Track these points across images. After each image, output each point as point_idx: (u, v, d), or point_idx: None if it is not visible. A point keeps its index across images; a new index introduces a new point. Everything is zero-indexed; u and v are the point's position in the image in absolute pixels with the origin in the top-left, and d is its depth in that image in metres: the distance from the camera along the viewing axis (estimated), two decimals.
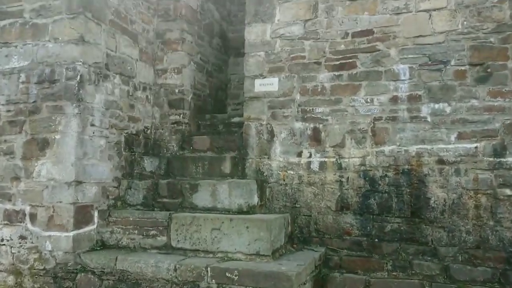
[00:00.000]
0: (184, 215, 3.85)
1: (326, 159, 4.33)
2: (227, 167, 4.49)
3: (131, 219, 3.97)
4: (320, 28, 4.43)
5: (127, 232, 3.96)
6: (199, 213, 3.99)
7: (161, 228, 3.86)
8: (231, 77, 6.32)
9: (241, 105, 5.92)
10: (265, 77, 4.60)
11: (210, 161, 4.54)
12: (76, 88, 3.87)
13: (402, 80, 4.15)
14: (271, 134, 4.53)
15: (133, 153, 4.61)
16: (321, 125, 4.38)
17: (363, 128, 4.24)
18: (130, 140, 4.57)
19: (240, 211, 3.96)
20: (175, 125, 4.95)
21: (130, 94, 4.59)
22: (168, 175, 4.64)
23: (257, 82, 4.62)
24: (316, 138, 4.38)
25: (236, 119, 5.06)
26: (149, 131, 4.94)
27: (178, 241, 3.78)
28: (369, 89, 4.24)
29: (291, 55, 4.52)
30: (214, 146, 4.74)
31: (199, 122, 5.23)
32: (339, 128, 4.32)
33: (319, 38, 4.43)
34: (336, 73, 4.36)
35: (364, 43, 4.29)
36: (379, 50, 4.24)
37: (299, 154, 4.42)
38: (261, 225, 3.56)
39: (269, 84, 4.57)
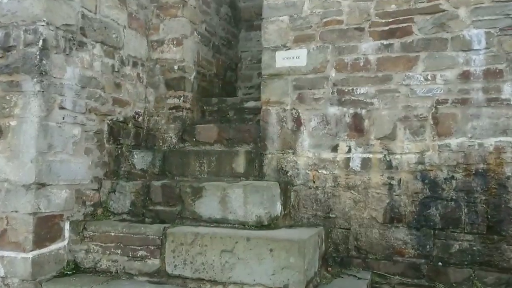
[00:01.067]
0: (183, 230, 2.84)
1: (370, 155, 3.30)
2: (240, 164, 3.47)
3: (112, 234, 2.96)
4: None
5: (108, 252, 2.95)
6: (204, 226, 2.97)
7: (152, 248, 2.85)
8: (242, 55, 5.28)
9: (255, 89, 4.90)
10: (289, 49, 3.55)
11: (219, 156, 3.51)
12: (38, 57, 2.84)
13: (476, 50, 3.09)
14: (298, 122, 3.50)
15: (119, 146, 3.60)
16: (364, 111, 3.33)
17: (421, 115, 3.20)
18: (116, 129, 3.55)
19: (259, 225, 2.95)
20: (174, 110, 3.93)
21: (116, 70, 3.56)
22: (164, 174, 3.62)
23: (279, 55, 3.57)
24: (357, 128, 3.34)
25: (250, 104, 4.02)
26: (141, 118, 3.92)
27: (175, 266, 2.77)
28: (429, 62, 3.19)
29: (324, 19, 3.47)
30: (223, 137, 3.71)
31: (204, 107, 4.20)
32: (389, 114, 3.27)
33: None
34: (385, 42, 3.30)
35: (423, 2, 3.23)
36: (443, 11, 3.18)
37: (335, 149, 3.39)
38: (291, 248, 2.54)
39: (294, 58, 3.53)
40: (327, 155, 3.40)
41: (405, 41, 3.25)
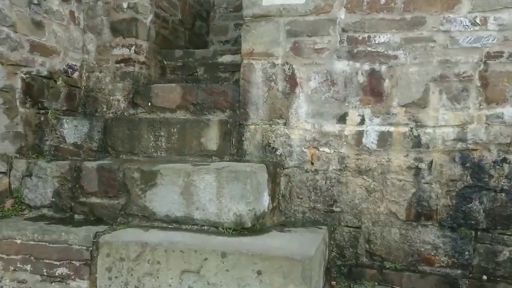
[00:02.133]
0: (125, 238, 1.89)
1: (391, 128, 2.41)
2: (212, 139, 2.51)
3: (18, 241, 1.98)
4: None
5: (12, 267, 1.98)
6: (158, 228, 2.04)
7: (78, 264, 1.89)
8: (216, 1, 4.22)
9: (231, 44, 3.89)
10: None
11: (182, 128, 2.54)
12: None
13: None
14: (292, 81, 2.55)
15: (42, 111, 2.57)
16: (384, 67, 2.42)
17: (464, 73, 2.31)
18: (37, 86, 2.52)
19: (238, 227, 2.03)
20: (123, 65, 2.90)
21: (35, 1, 2.49)
22: (106, 151, 2.63)
23: None
24: (374, 90, 2.43)
25: (227, 58, 3.04)
26: (76, 74, 2.87)
27: None
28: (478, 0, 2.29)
29: None
30: (189, 102, 2.73)
31: (165, 62, 3.18)
32: (419, 72, 2.37)
33: None
34: None
35: None
36: None
37: (342, 119, 2.48)
38: (292, 270, 1.65)
39: None
40: (332, 127, 2.49)
41: None
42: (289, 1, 2.54)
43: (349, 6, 2.46)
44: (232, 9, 4.15)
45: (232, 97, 2.67)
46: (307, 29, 2.52)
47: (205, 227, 2.05)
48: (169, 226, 2.08)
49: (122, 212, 2.15)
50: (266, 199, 2.22)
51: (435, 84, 2.35)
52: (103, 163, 2.25)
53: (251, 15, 2.61)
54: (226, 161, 2.42)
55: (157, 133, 2.52)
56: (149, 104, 2.80)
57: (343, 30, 2.47)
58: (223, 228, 2.03)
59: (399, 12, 2.39)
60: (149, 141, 2.52)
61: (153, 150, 2.52)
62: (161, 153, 2.51)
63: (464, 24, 2.31)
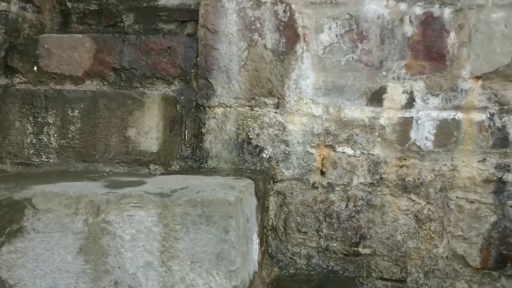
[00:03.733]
0: None
1: (459, 115, 1.43)
2: (149, 130, 1.35)
3: None
4: None
5: None
6: None
7: None
8: None
9: None
10: None
11: (92, 109, 1.34)
12: None
13: None
14: (290, 32, 1.48)
15: None
16: (447, 10, 1.42)
17: None
18: None
19: None
20: None
21: None
22: None
23: None
24: (430, 50, 1.43)
25: (172, 1, 1.89)
26: None
27: None
28: None
29: None
30: (108, 65, 1.56)
31: (68, 3, 1.94)
32: (508, 20, 1.40)
33: None
34: None
35: None
36: None
37: (376, 97, 1.45)
38: None
39: None
40: (358, 112, 1.46)
41: None
42: None
43: None
44: None
45: (184, 58, 1.54)
46: None
47: None
48: None
49: None
50: (255, 249, 1.15)
51: None
52: None
53: None
54: (175, 172, 1.30)
55: (40, 119, 1.33)
56: (35, 68, 1.58)
57: None
58: None
59: None
60: (25, 133, 1.32)
61: (32, 151, 1.32)
62: (48, 158, 1.31)
63: None
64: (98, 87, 1.53)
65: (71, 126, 1.28)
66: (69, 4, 1.93)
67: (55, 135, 1.28)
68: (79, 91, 1.32)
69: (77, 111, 1.28)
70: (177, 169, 1.37)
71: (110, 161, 1.25)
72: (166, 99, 1.34)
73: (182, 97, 1.51)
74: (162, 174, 1.24)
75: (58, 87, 1.52)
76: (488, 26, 1.40)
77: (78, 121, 1.27)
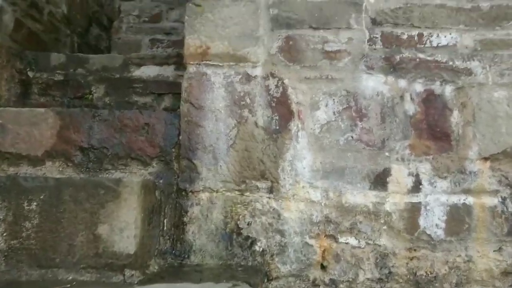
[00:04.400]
0: None
1: (469, 199, 1.30)
2: (125, 227, 1.12)
3: None
4: None
5: None
6: None
7: None
8: (124, 5, 2.93)
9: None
10: None
11: (54, 200, 1.11)
12: None
13: None
14: (283, 109, 1.35)
15: None
16: (449, 88, 1.35)
17: None
18: None
19: None
20: None
21: None
22: None
23: None
24: (433, 129, 1.33)
25: (148, 71, 1.75)
26: None
27: None
28: None
29: None
30: (74, 144, 1.34)
31: (29, 72, 1.75)
32: (510, 98, 1.34)
33: None
34: None
35: None
36: None
37: (380, 180, 1.31)
38: None
39: None
40: (361, 197, 1.31)
41: None
42: None
43: None
44: (147, 19, 2.89)
45: (164, 136, 1.36)
46: (310, 16, 1.38)
47: None
48: None
49: None
50: None
51: None
52: None
53: None
54: (154, 276, 1.07)
55: None
56: None
57: (374, 22, 1.38)
58: None
59: None
60: None
61: None
62: None
63: None
64: (60, 169, 1.31)
65: (27, 222, 1.03)
66: (30, 74, 1.73)
67: (5, 234, 1.03)
68: (39, 179, 1.09)
69: (35, 203, 1.05)
70: (155, 271, 1.14)
71: (75, 266, 1.01)
72: (145, 186, 1.13)
73: (161, 181, 1.31)
74: (140, 282, 1.00)
75: (12, 169, 1.29)
76: (491, 105, 1.33)
77: (36, 216, 1.03)
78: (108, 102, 1.69)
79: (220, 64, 1.37)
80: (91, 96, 1.70)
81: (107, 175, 1.30)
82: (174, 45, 2.90)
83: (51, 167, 1.32)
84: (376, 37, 1.37)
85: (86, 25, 2.49)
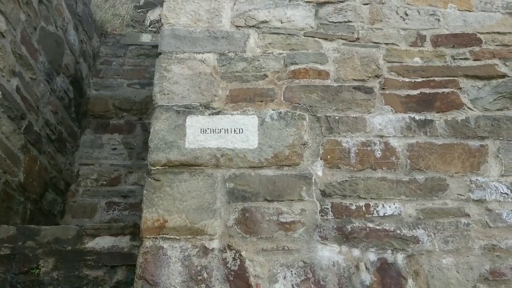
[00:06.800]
0: None
1: None
2: None
3: None
4: (355, 18, 1.82)
5: None
6: None
7: None
8: (82, 170, 2.99)
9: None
10: (218, 113, 1.58)
11: None
12: None
13: None
14: (241, 283, 1.33)
15: None
16: (400, 256, 1.41)
17: None
18: None
19: None
20: None
21: None
22: None
23: (195, 123, 1.55)
24: None
25: (102, 243, 1.71)
26: None
27: None
28: (509, 158, 1.58)
29: (292, 67, 1.69)
30: None
31: None
32: (458, 265, 1.40)
33: (359, 39, 1.77)
34: (417, 117, 1.63)
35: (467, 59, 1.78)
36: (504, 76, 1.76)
37: None
38: None
39: (231, 132, 1.55)
40: None
41: (454, 118, 1.64)
42: (231, 144, 1.52)
43: (328, 157, 1.54)
44: (105, 182, 2.93)
45: None
46: (264, 189, 1.46)
47: None
48: None
49: None
50: None
51: (488, 287, 1.38)
52: None
53: (165, 162, 1.48)
54: None
55: None
56: None
57: (324, 194, 1.48)
58: None
59: (404, 170, 1.53)
60: None
61: None
62: None
63: (501, 191, 1.52)
64: None
65: None
66: None
67: None
68: None
69: None
70: None
71: None
72: None
73: None
74: None
75: None
76: (442, 272, 1.38)
77: None
78: (56, 277, 1.60)
79: (177, 238, 1.37)
80: (38, 270, 1.60)
81: None
82: (131, 207, 2.92)
83: None
84: (327, 208, 1.46)
85: (42, 191, 2.48)
